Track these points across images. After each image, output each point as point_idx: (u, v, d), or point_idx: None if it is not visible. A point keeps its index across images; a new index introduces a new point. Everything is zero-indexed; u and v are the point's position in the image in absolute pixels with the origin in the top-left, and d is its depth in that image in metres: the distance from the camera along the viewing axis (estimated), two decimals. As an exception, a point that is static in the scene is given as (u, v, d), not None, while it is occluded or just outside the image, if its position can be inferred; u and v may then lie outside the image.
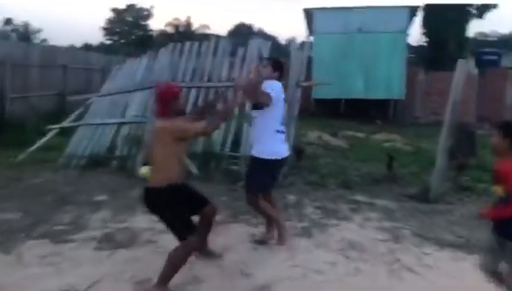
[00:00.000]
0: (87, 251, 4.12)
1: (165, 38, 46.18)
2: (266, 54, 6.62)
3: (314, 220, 5.14)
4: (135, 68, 7.83)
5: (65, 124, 7.89)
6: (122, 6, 46.91)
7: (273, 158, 4.11)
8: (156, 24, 59.20)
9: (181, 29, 47.05)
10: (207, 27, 48.93)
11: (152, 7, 47.80)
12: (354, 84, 15.73)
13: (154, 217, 4.99)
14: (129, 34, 46.13)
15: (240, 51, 6.97)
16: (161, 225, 4.81)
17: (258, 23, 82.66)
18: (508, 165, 2.75)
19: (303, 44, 6.89)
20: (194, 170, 6.69)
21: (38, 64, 11.51)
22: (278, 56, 5.40)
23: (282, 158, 4.22)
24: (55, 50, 13.13)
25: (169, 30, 46.78)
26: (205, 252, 4.00)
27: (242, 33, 47.06)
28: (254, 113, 4.19)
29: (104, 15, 54.17)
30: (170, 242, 4.37)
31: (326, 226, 4.95)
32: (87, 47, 34.03)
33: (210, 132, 3.71)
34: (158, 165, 3.39)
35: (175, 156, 3.38)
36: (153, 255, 4.08)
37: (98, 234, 4.52)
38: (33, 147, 7.60)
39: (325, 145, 9.73)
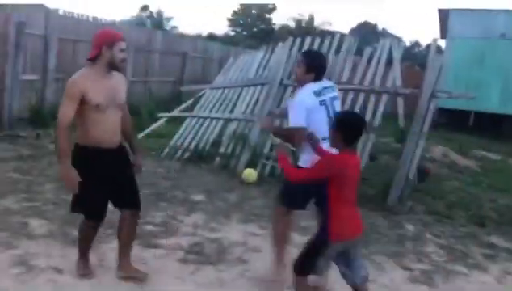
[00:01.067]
0: (172, 263, 3.69)
1: (286, 32, 46.39)
2: (398, 56, 5.74)
3: (437, 263, 4.22)
4: (249, 62, 7.40)
5: (175, 113, 7.74)
6: (248, -2, 47.96)
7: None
8: (279, 18, 59.42)
9: (303, 24, 46.80)
10: (329, 23, 47.93)
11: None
12: (488, 96, 13.82)
13: (249, 229, 4.62)
14: (252, 26, 46.94)
15: (366, 50, 6.16)
16: (255, 241, 4.34)
17: (383, 23, 79.05)
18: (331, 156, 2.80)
19: (433, 47, 5.80)
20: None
21: (160, 50, 11.73)
22: (313, 52, 4.23)
23: None
24: (177, 37, 13.33)
25: (291, 25, 46.71)
26: (128, 272, 3.30)
27: (366, 32, 45.28)
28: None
29: (232, 6, 55.88)
30: (262, 263, 3.85)
31: (453, 274, 4.01)
32: (212, 37, 35.04)
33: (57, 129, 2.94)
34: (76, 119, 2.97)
35: (85, 116, 2.94)
36: (240, 279, 3.54)
37: (187, 243, 4.10)
38: (142, 133, 7.56)
39: (452, 165, 8.48)
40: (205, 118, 7.12)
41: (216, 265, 3.74)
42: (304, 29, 45.14)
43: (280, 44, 7.01)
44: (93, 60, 2.99)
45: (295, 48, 6.64)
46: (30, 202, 4.58)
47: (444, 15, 15.58)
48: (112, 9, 66.03)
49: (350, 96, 6.09)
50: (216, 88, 7.49)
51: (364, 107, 6.00)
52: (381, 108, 5.90)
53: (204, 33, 38.14)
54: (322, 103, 3.31)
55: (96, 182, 3.01)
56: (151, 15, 46.06)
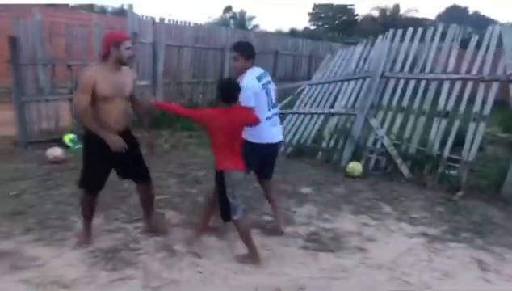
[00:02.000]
0: (294, 250, 3.96)
1: (369, 23, 45.32)
2: (510, 42, 5.52)
3: None
4: (348, 57, 7.47)
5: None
6: (329, -10, 47.41)
7: (262, 142, 3.90)
8: (362, 9, 58.05)
9: (387, 13, 45.33)
10: (415, 10, 45.91)
11: (359, -10, 46.70)
12: None
13: (362, 220, 4.76)
14: (334, 19, 46.35)
15: (473, 37, 5.98)
16: (369, 231, 4.48)
17: (474, 5, 73.70)
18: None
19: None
20: (405, 171, 6.06)
21: (253, 50, 12.14)
22: (246, 41, 4.50)
23: (270, 143, 3.99)
24: (268, 36, 13.68)
25: (375, 14, 45.47)
26: (150, 225, 4.05)
27: (455, 16, 42.78)
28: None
29: (313, 0, 55.68)
30: (382, 253, 3.99)
31: None
32: (293, 32, 35.18)
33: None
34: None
35: (95, 106, 3.41)
36: (362, 267, 3.70)
37: (304, 232, 4.34)
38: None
39: None
40: (306, 114, 7.32)
41: (336, 252, 3.95)
42: (389, 18, 43.83)
43: (380, 37, 7.00)
44: (104, 58, 3.48)
45: (397, 40, 6.60)
46: (161, 195, 5.08)
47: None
48: (196, 12, 68.71)
49: (458, 86, 5.96)
50: (315, 84, 7.65)
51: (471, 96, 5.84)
52: (492, 97, 5.71)
53: (285, 29, 38.37)
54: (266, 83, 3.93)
55: (101, 162, 3.55)
56: (234, 16, 47.30)
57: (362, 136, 6.53)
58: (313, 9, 48.53)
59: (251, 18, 46.87)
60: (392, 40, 6.63)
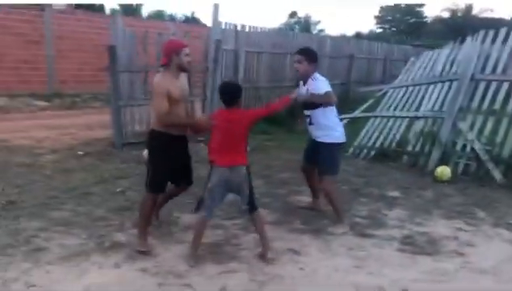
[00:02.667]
0: (390, 252, 3.99)
1: (440, 24, 43.66)
2: None
3: None
4: (433, 59, 7.34)
5: (358, 114, 8.03)
6: (398, -7, 46.32)
7: (343, 141, 4.53)
8: (431, 10, 56.06)
9: (459, 14, 43.46)
10: (490, 10, 43.52)
11: (428, -7, 45.25)
12: None
13: (456, 225, 4.67)
14: (401, 21, 45.17)
15: None
16: (466, 236, 4.39)
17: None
18: None
19: None
20: (498, 176, 5.86)
21: (329, 54, 12.19)
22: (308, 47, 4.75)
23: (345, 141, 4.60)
24: (343, 40, 13.65)
25: (445, 15, 43.74)
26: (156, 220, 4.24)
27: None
28: (307, 112, 4.41)
29: (379, 3, 54.74)
30: (482, 258, 3.91)
31: None
32: (358, 35, 34.68)
33: (163, 121, 3.67)
34: (153, 111, 3.85)
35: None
36: (463, 271, 3.66)
37: (398, 235, 4.34)
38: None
39: None
40: (389, 117, 7.27)
41: (434, 256, 3.92)
42: (461, 19, 41.95)
43: (469, 39, 6.82)
44: (165, 65, 3.69)
45: (488, 42, 6.40)
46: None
47: None
48: (262, 17, 69.59)
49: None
50: (399, 87, 7.57)
51: None
52: None
53: (350, 32, 37.88)
54: None
55: (167, 163, 3.72)
56: (299, 20, 47.41)
57: (450, 140, 6.38)
58: (380, 12, 47.63)
59: (316, 23, 46.81)
60: (483, 41, 6.43)
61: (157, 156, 3.76)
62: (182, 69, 3.73)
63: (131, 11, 30.98)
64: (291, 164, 6.44)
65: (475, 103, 6.35)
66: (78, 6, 22.72)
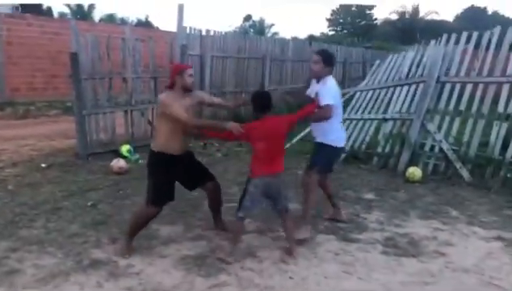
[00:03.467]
0: (375, 255, 4.01)
1: (389, 26, 45.18)
2: None
3: None
4: (399, 62, 7.51)
5: (326, 117, 8.07)
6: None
7: (339, 145, 4.47)
8: (380, 13, 57.95)
9: (407, 16, 45.11)
10: (435, 12, 45.46)
11: (377, -5, 46.67)
12: None
13: (433, 225, 4.77)
14: (352, 24, 46.36)
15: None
16: (444, 235, 4.49)
17: (492, 5, 72.64)
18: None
19: None
20: (466, 175, 6.06)
21: (291, 58, 12.27)
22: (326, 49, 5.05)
23: (342, 146, 4.60)
24: (303, 45, 13.78)
25: (394, 18, 45.31)
26: (220, 226, 4.37)
27: (473, 17, 42.26)
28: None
29: (330, 6, 56.04)
30: (463, 257, 4.00)
31: None
32: (311, 38, 35.26)
33: (191, 126, 3.84)
34: (156, 132, 4.01)
35: (169, 128, 3.77)
36: (447, 271, 3.73)
37: (380, 237, 4.39)
38: (296, 138, 8.01)
39: None
40: (358, 120, 7.37)
41: (417, 257, 3.98)
42: (408, 21, 43.59)
43: (432, 42, 7.02)
44: (171, 87, 3.89)
45: (451, 44, 6.62)
46: (229, 203, 5.16)
47: None
48: (215, 21, 69.46)
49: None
50: (366, 89, 7.70)
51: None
52: None
53: (303, 35, 38.46)
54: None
55: (168, 176, 3.85)
56: (253, 24, 47.63)
57: (418, 141, 6.54)
58: (331, 14, 48.68)
59: (270, 26, 47.18)
60: (446, 44, 6.64)
61: (156, 172, 3.85)
62: (185, 88, 3.86)
63: (82, 15, 30.06)
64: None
65: (441, 105, 6.53)
66: (24, 8, 21.89)
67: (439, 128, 6.49)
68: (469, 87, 6.38)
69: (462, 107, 6.40)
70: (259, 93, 4.02)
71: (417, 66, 7.15)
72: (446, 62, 6.53)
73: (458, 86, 6.46)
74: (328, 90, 4.17)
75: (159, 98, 3.90)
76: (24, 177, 6.07)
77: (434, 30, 36.09)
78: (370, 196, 5.71)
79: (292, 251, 3.89)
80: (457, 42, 6.68)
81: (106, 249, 3.96)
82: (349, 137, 7.38)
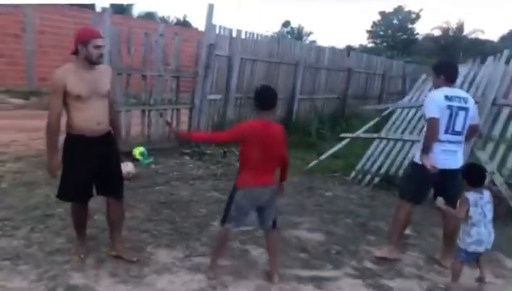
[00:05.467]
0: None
1: (430, 42, 43.73)
2: None
3: None
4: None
5: (361, 134, 7.31)
6: (390, 9, 46.47)
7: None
8: (423, 28, 56.26)
9: (450, 33, 43.58)
10: (481, 31, 43.73)
11: (421, 10, 45.62)
12: None
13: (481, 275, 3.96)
14: (393, 37, 45.16)
15: None
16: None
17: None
18: None
19: None
20: None
21: (326, 66, 11.53)
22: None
23: (441, 169, 3.78)
24: (341, 53, 13.02)
25: (436, 33, 43.83)
26: (118, 251, 3.59)
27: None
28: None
29: (371, 18, 54.78)
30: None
31: None
32: (349, 49, 34.41)
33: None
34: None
35: (69, 106, 3.24)
36: None
37: (417, 287, 3.62)
38: (324, 155, 7.28)
39: None
40: (397, 140, 6.56)
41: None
42: (452, 38, 42.09)
43: (490, 59, 6.17)
44: (75, 55, 3.26)
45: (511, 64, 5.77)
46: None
47: None
48: (255, 25, 69.32)
49: None
50: (408, 107, 6.88)
51: None
52: None
53: (341, 45, 37.57)
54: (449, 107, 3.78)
55: (79, 167, 3.28)
56: (291, 31, 47.02)
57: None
58: (372, 26, 47.55)
59: (308, 34, 46.52)
60: (507, 62, 5.78)
61: (68, 158, 3.31)
62: (90, 62, 3.25)
63: (121, 11, 30.13)
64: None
65: (496, 131, 5.68)
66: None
67: (492, 157, 5.62)
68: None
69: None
70: (263, 87, 3.48)
71: (470, 85, 6.28)
72: (506, 83, 5.67)
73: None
74: (426, 104, 3.89)
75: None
76: (23, 174, 5.57)
77: (478, 49, 34.61)
78: (406, 230, 4.91)
79: (273, 276, 3.44)
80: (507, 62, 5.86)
81: (88, 273, 3.35)
82: (385, 159, 6.58)
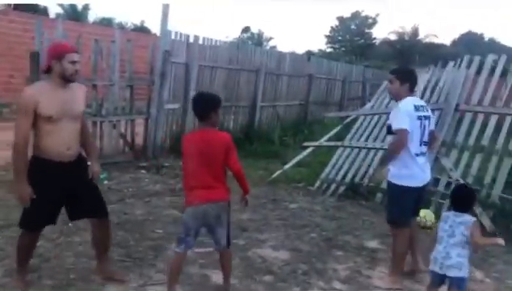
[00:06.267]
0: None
1: (387, 46, 44.80)
2: None
3: None
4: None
5: (324, 142, 7.13)
6: (347, 14, 47.34)
7: (411, 185, 3.61)
8: (379, 33, 57.70)
9: (406, 37, 44.81)
10: (435, 36, 45.34)
11: (377, 15, 46.81)
12: None
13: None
14: (351, 42, 45.98)
15: None
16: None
17: (490, 31, 73.30)
18: None
19: None
20: (486, 223, 5.10)
21: (287, 72, 11.36)
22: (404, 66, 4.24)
23: (422, 185, 3.70)
24: (301, 59, 12.91)
25: (393, 38, 45.01)
26: (106, 273, 3.41)
27: (470, 43, 42.05)
28: (389, 137, 3.90)
29: (329, 23, 55.64)
30: None
31: None
32: (309, 54, 34.74)
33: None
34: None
35: (38, 128, 2.99)
36: None
37: (390, 308, 3.41)
38: (288, 165, 7.05)
39: None
40: (361, 148, 6.40)
41: None
42: (407, 42, 43.35)
43: (451, 64, 6.12)
44: (46, 73, 3.05)
45: (474, 68, 5.71)
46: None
47: None
48: (214, 31, 69.03)
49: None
50: (372, 114, 6.74)
51: None
52: None
53: (300, 51, 37.88)
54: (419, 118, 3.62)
55: (46, 194, 3.00)
56: (252, 36, 47.02)
57: (431, 177, 5.57)
58: (330, 32, 48.27)
59: (269, 40, 46.65)
60: (468, 67, 5.73)
61: (32, 185, 2.99)
62: (64, 79, 3.02)
63: (76, 16, 29.12)
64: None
65: (460, 138, 5.60)
66: (16, 7, 20.93)
67: (456, 164, 5.54)
68: (494, 119, 5.45)
69: (485, 141, 5.46)
70: (197, 95, 3.34)
71: (432, 91, 6.21)
72: (467, 88, 5.61)
73: (481, 117, 5.53)
74: (393, 114, 3.67)
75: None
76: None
77: (433, 53, 35.75)
78: (373, 244, 4.73)
79: None
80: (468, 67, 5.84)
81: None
82: (349, 168, 6.41)
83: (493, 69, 5.70)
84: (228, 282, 3.31)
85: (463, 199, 3.18)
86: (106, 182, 6.03)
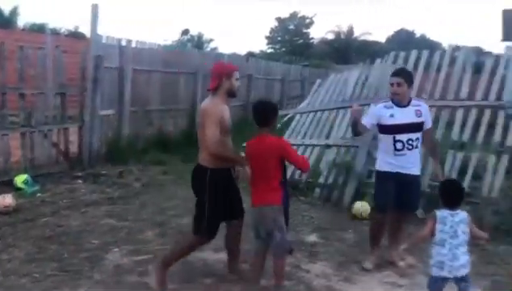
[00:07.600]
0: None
1: (325, 45, 46.10)
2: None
3: None
4: (342, 81, 6.79)
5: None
6: (286, 14, 48.15)
7: (386, 169, 3.93)
8: (317, 32, 59.17)
9: (342, 36, 46.30)
10: (369, 33, 47.32)
11: (314, 15, 48.08)
12: None
13: (389, 278, 3.95)
14: (290, 42, 46.84)
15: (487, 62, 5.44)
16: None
17: (420, 28, 77.42)
18: None
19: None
20: (418, 211, 5.33)
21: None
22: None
23: (398, 172, 3.89)
24: (241, 59, 12.96)
25: (330, 37, 46.39)
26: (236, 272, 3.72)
27: (403, 39, 44.16)
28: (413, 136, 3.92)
29: (269, 24, 56.46)
30: None
31: None
32: (250, 55, 35.05)
33: (211, 152, 3.31)
34: (203, 145, 3.36)
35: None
36: None
37: (328, 300, 3.51)
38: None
39: None
40: (298, 145, 6.53)
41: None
42: (344, 41, 44.91)
43: (378, 60, 6.37)
44: (214, 90, 3.39)
45: (400, 64, 5.98)
46: (138, 255, 4.10)
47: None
48: (152, 35, 67.85)
49: (472, 115, 5.36)
50: (306, 112, 6.89)
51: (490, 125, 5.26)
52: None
53: (242, 52, 38.16)
54: None
55: (222, 201, 3.36)
56: (191, 39, 46.66)
57: (365, 170, 5.80)
58: (270, 32, 48.92)
59: (209, 41, 46.52)
60: (394, 63, 6.00)
61: (217, 196, 3.34)
62: (231, 94, 3.46)
63: (3, 22, 27.60)
64: (190, 205, 5.35)
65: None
66: None
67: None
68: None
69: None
70: (258, 102, 3.51)
71: (362, 87, 6.45)
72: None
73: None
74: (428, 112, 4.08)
75: (203, 105, 3.41)
76: None
77: (368, 50, 37.21)
78: (313, 238, 4.85)
79: None
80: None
81: None
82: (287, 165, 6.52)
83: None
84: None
85: (456, 194, 3.13)
86: (39, 194, 5.79)
